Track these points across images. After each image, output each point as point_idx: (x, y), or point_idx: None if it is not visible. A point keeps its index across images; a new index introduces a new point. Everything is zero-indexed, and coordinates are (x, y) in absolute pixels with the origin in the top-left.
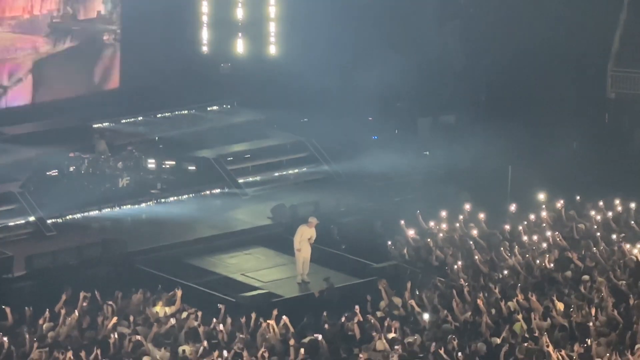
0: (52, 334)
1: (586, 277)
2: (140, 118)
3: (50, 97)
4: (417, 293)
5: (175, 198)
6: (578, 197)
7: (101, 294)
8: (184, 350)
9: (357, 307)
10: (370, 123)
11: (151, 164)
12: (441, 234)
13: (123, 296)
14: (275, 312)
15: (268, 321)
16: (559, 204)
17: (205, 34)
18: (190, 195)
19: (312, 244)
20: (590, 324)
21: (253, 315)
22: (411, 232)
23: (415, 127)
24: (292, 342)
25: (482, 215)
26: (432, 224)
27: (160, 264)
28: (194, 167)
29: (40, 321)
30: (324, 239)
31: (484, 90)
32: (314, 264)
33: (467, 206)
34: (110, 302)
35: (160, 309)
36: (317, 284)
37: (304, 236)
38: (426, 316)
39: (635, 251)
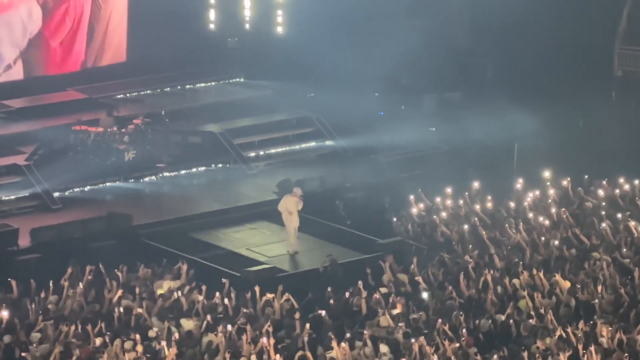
0: (56, 307)
1: (592, 254)
2: (146, 92)
3: (56, 70)
4: (423, 269)
5: (181, 172)
6: (586, 177)
7: (106, 267)
8: (187, 325)
9: (360, 282)
10: (377, 99)
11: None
12: (446, 211)
13: (128, 270)
14: (280, 288)
15: (270, 295)
16: (565, 181)
17: (212, 13)
18: (196, 169)
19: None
20: (596, 301)
21: (257, 290)
22: (417, 209)
23: (421, 103)
24: (297, 316)
25: (487, 192)
26: (437, 200)
27: (165, 238)
28: (198, 139)
29: (45, 294)
30: (330, 215)
31: (490, 67)
32: (319, 239)
33: (473, 183)
34: (117, 275)
35: (165, 283)
36: (321, 259)
37: (288, 206)
38: (425, 295)
39: None
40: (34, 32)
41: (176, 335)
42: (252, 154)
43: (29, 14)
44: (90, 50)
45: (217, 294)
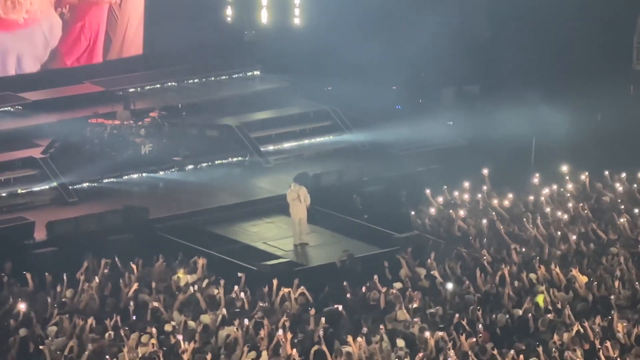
0: (72, 301)
1: (610, 249)
2: (163, 85)
3: (73, 62)
4: (440, 264)
5: (198, 165)
6: (607, 172)
7: (122, 261)
8: (204, 319)
9: (375, 277)
10: (394, 92)
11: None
12: (464, 205)
13: (145, 264)
14: (296, 282)
15: (286, 289)
16: (584, 175)
17: (229, 6)
18: (213, 162)
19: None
20: (613, 297)
21: (275, 283)
22: (434, 203)
23: (438, 97)
24: (312, 311)
25: (505, 187)
26: (455, 194)
27: (181, 232)
28: (215, 132)
29: (60, 288)
30: (347, 209)
31: (509, 61)
32: (336, 232)
33: (490, 177)
34: (133, 269)
35: (182, 277)
36: (338, 253)
37: (289, 199)
38: (450, 285)
39: None
40: (53, 46)
41: (198, 328)
42: (269, 148)
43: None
44: (106, 37)
45: (236, 287)
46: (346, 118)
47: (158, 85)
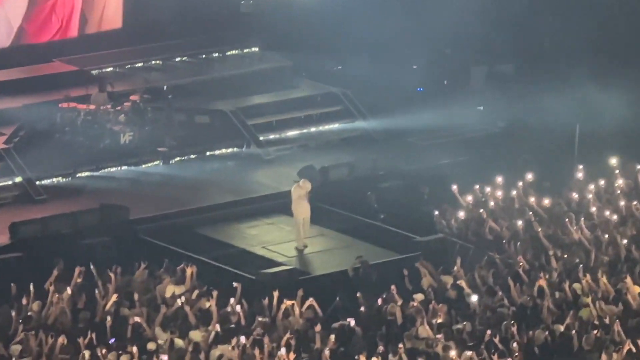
0: (40, 315)
1: None
2: (146, 64)
3: (41, 37)
4: (468, 271)
5: (187, 157)
6: None
7: (98, 269)
8: (194, 336)
9: (393, 287)
10: (415, 72)
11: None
12: (496, 203)
13: (124, 272)
14: (300, 293)
15: (289, 302)
16: (637, 168)
17: None
18: (204, 154)
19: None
20: None
21: (276, 295)
22: (462, 201)
23: (467, 78)
24: (318, 328)
25: (544, 182)
26: (486, 190)
27: (168, 235)
28: (206, 118)
29: (26, 300)
30: (360, 208)
31: (547, 36)
32: (347, 235)
33: (527, 171)
34: (110, 278)
35: (167, 288)
36: (349, 259)
37: (294, 196)
38: (474, 298)
39: None
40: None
41: (186, 347)
42: (269, 137)
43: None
44: (81, 16)
45: (231, 299)
46: (359, 102)
47: (140, 64)
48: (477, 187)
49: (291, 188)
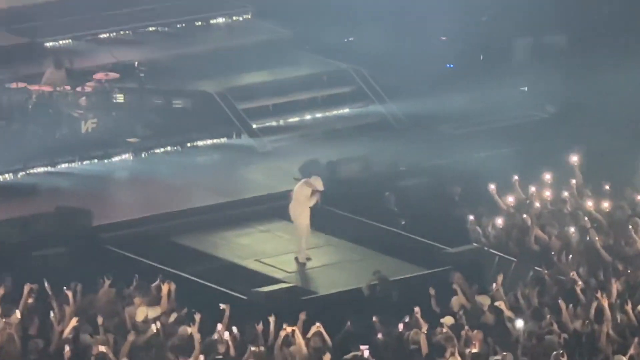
0: None
1: None
2: (112, 34)
3: None
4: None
5: (162, 150)
6: None
7: (54, 286)
8: None
9: (417, 309)
10: (444, 45)
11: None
12: (544, 207)
13: (86, 290)
14: (302, 316)
15: (290, 328)
16: None
17: None
18: (184, 146)
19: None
20: None
21: (272, 320)
22: (501, 203)
23: (508, 52)
24: (327, 357)
25: (603, 180)
26: (531, 190)
27: (139, 245)
28: (187, 102)
29: None
30: (376, 212)
31: (606, 1)
32: (361, 246)
33: (582, 166)
34: (68, 298)
35: (139, 310)
36: (364, 275)
37: (299, 197)
38: (520, 323)
39: None
40: None
41: None
42: (265, 124)
43: None
44: None
45: (219, 325)
46: (374, 82)
47: (105, 35)
48: (519, 186)
49: (294, 187)
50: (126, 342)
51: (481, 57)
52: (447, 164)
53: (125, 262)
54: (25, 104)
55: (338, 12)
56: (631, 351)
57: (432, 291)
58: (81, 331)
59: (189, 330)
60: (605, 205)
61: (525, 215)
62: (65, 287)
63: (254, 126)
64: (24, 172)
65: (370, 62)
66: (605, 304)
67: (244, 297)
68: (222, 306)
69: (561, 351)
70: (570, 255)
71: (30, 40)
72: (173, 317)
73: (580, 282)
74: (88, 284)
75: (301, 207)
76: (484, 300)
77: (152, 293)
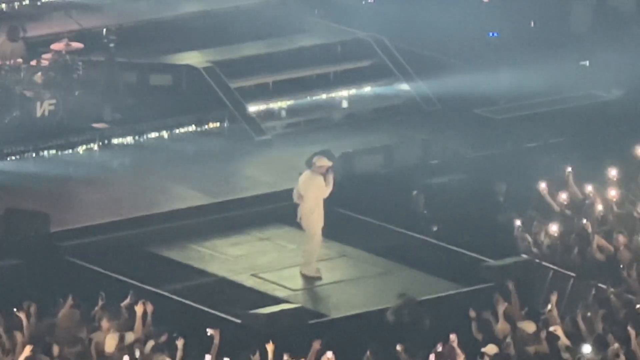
0: None
1: None
2: None
3: None
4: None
5: (138, 138)
6: None
7: (3, 307)
8: None
9: (453, 336)
10: (485, 7)
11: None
12: (608, 210)
13: (42, 311)
14: (316, 346)
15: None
16: None
17: None
18: (165, 133)
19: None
20: None
21: (270, 349)
22: (556, 205)
23: (565, 17)
24: None
25: None
26: (591, 190)
27: (107, 256)
28: (167, 78)
29: None
30: (402, 215)
31: None
32: (384, 258)
33: None
34: (20, 321)
35: (107, 337)
36: (386, 294)
37: (310, 191)
38: (587, 349)
39: None
40: None
41: None
42: (263, 107)
43: None
44: None
45: (207, 357)
46: (400, 55)
47: None
48: (576, 183)
49: (299, 180)
50: None
51: (532, 24)
52: (488, 156)
53: (91, 276)
54: None
55: None
56: None
57: (472, 314)
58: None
59: None
60: None
61: (585, 221)
62: (15, 309)
63: (250, 109)
64: None
65: (394, 29)
66: None
67: (238, 321)
68: (210, 332)
69: None
70: None
71: None
72: (150, 345)
73: None
74: (45, 304)
75: (315, 205)
76: (527, 327)
77: (123, 315)
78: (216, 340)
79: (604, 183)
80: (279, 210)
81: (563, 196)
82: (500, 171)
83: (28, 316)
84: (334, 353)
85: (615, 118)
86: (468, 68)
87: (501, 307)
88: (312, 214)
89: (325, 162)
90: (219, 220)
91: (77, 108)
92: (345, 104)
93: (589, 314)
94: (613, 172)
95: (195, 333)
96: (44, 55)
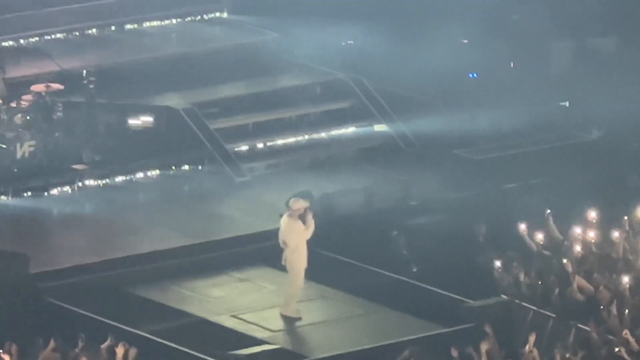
0: None
1: None
2: (55, 35)
3: None
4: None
5: (117, 179)
6: None
7: None
8: None
9: None
10: (465, 49)
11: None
12: (588, 250)
13: (22, 353)
14: None
15: None
16: None
17: None
18: (144, 174)
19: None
20: None
21: None
22: (534, 246)
23: (546, 57)
24: None
25: None
26: (574, 231)
27: (87, 297)
28: (147, 120)
29: None
30: (382, 255)
31: None
32: (363, 298)
33: (638, 201)
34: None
35: None
36: (363, 333)
37: (291, 237)
38: None
39: None
40: None
41: None
42: (243, 148)
43: None
44: None
45: None
46: (380, 95)
47: (48, 37)
48: (555, 223)
49: (281, 221)
50: None
51: (511, 64)
52: (468, 197)
53: (71, 317)
54: None
55: (334, 9)
56: None
57: (454, 353)
58: None
59: None
60: None
61: (565, 261)
62: None
63: (230, 150)
64: None
65: (373, 71)
66: None
67: None
68: None
69: None
70: (626, 311)
71: None
72: None
73: (635, 344)
74: (24, 346)
75: (298, 246)
76: None
77: (103, 357)
78: None
79: (583, 223)
80: (259, 251)
81: (540, 237)
82: (479, 212)
83: (10, 356)
84: None
85: (594, 158)
86: (447, 109)
87: (484, 347)
88: (293, 255)
89: (301, 204)
90: (199, 261)
91: (57, 149)
92: (324, 145)
93: (567, 355)
94: (592, 214)
95: None
96: (24, 97)
